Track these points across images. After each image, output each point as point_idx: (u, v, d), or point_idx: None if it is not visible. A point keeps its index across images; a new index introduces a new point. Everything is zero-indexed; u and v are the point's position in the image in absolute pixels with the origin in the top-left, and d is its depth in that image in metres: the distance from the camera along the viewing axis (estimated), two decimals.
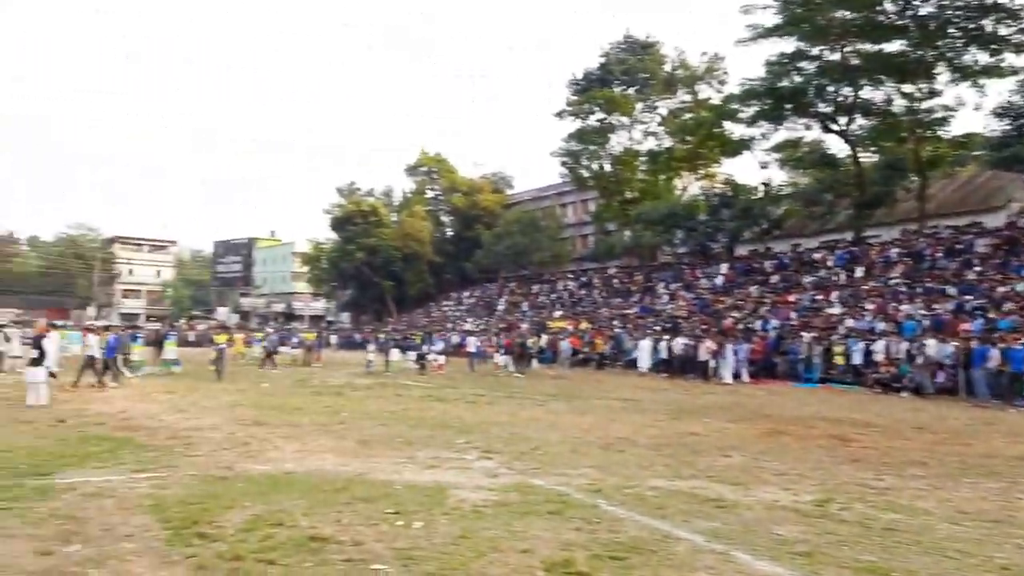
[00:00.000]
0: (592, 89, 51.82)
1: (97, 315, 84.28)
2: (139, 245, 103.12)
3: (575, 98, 52.85)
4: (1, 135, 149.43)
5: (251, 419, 14.39)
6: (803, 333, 27.43)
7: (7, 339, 25.51)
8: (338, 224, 67.95)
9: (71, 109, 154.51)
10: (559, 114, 52.92)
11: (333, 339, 57.09)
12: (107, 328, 25.26)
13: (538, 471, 9.70)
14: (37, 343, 16.28)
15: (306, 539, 6.30)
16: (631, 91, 52.31)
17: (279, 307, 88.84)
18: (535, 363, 32.02)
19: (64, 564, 5.62)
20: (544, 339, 36.15)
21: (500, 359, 30.47)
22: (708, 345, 27.03)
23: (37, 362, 15.83)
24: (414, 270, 65.22)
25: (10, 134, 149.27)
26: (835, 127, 39.04)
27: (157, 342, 29.15)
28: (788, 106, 38.92)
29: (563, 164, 54.89)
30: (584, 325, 39.18)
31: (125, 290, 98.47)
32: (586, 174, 54.37)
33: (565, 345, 31.46)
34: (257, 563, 5.70)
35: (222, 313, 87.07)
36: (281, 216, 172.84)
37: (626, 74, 51.72)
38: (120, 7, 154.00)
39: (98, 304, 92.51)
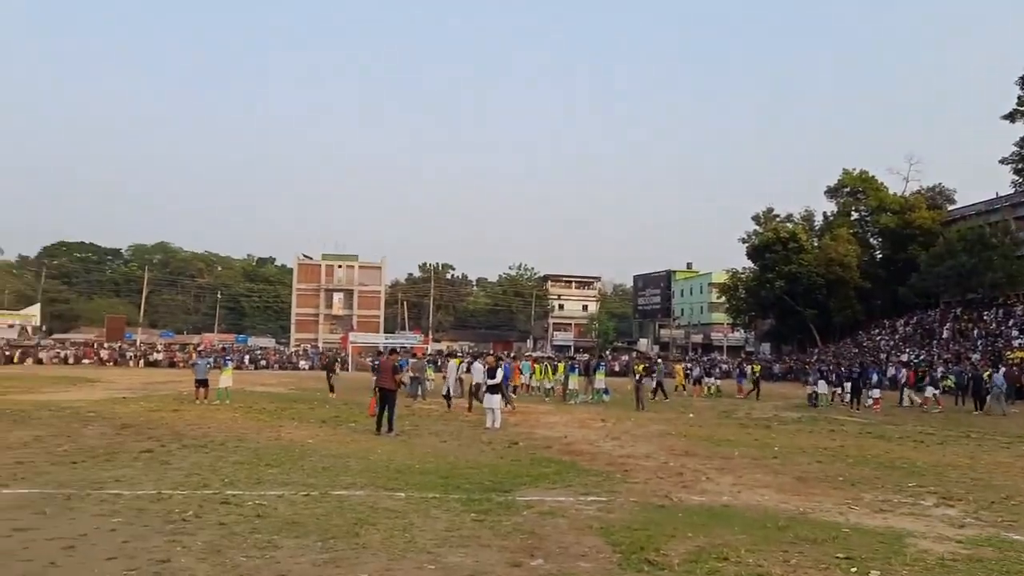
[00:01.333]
0: None
1: (534, 347, 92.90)
2: (568, 282, 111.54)
3: None
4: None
5: (682, 449, 14.58)
6: None
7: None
8: (756, 252, 66.69)
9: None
10: (1010, 116, 46.23)
11: (748, 370, 55.71)
12: (515, 357, 27.52)
13: (1015, 524, 8.40)
14: (492, 373, 18.26)
15: None
16: None
17: (697, 338, 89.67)
18: (990, 400, 28.01)
19: None
20: (1001, 372, 31.47)
21: (930, 392, 27.23)
22: None
23: (493, 390, 17.74)
24: (839, 297, 61.29)
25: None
26: None
27: (588, 372, 31.00)
28: None
29: (1018, 172, 47.70)
30: None
31: (556, 323, 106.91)
32: None
33: (998, 378, 27.20)
34: None
35: (643, 344, 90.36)
36: (698, 247, 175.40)
37: None
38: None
39: (534, 337, 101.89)
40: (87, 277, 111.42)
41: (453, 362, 26.37)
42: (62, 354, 59.76)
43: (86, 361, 58.10)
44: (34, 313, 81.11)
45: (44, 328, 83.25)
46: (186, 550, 6.59)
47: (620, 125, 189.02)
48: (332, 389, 27.58)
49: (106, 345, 66.65)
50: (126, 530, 7.28)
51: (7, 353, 57.19)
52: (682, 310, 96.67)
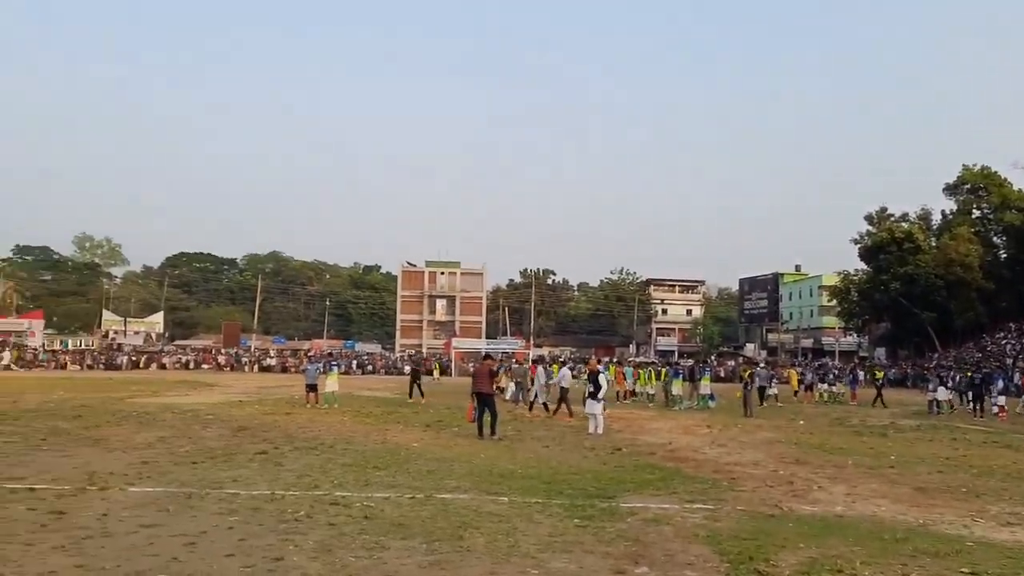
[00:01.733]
0: None
1: (636, 352, 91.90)
2: (671, 286, 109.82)
3: None
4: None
5: (792, 457, 14.14)
6: None
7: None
8: (869, 253, 64.14)
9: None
10: None
11: (860, 375, 53.52)
12: (618, 363, 27.04)
13: None
14: (593, 378, 18.16)
15: None
16: None
17: (807, 342, 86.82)
18: None
19: None
20: None
21: None
22: None
23: (594, 396, 17.61)
24: (960, 299, 58.25)
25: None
26: None
27: (692, 378, 30.42)
28: None
29: None
30: None
31: (659, 328, 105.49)
32: None
33: None
34: None
35: (750, 349, 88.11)
36: (806, 249, 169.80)
37: None
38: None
39: (637, 342, 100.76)
40: (205, 286, 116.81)
41: (540, 368, 26.30)
42: (183, 359, 62.94)
43: (205, 366, 61.00)
44: (158, 320, 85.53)
45: (167, 335, 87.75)
46: (298, 549, 6.81)
47: (722, 120, 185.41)
48: (412, 395, 27.83)
49: (223, 351, 69.75)
50: (243, 528, 7.58)
51: (134, 358, 60.58)
52: (790, 314, 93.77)
